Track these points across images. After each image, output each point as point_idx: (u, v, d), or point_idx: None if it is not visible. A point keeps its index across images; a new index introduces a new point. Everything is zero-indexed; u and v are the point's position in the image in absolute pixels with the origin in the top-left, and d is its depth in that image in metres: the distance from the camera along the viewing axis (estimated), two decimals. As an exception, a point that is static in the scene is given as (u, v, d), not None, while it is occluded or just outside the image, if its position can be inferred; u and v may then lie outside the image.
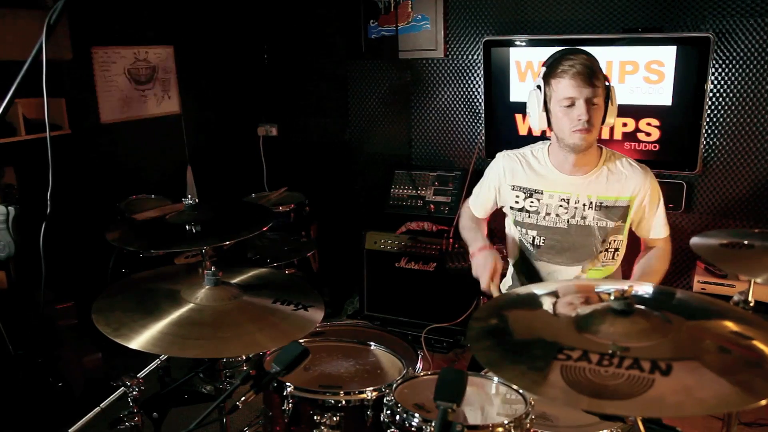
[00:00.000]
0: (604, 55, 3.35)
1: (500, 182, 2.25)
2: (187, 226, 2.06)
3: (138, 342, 1.54)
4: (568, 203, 2.11)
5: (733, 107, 3.29)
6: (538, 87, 2.04)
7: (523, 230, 2.21)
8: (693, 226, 3.47)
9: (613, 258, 2.17)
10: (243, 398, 1.42)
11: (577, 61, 1.94)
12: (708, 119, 3.31)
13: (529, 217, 2.18)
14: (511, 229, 2.32)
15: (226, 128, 4.53)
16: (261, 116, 4.57)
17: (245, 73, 4.53)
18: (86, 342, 3.14)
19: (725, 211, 3.42)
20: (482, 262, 2.08)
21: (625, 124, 3.39)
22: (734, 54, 3.23)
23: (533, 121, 2.09)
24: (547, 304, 1.37)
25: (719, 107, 3.32)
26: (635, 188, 2.08)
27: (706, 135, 3.32)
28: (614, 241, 2.14)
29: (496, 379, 1.55)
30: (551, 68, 1.99)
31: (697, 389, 0.96)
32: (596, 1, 3.48)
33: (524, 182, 2.18)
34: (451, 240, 3.57)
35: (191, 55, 4.26)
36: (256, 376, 1.44)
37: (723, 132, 3.34)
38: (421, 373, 1.61)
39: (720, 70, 3.26)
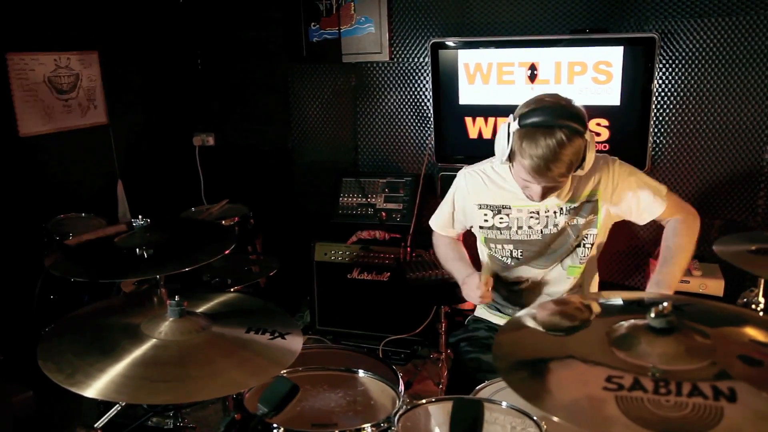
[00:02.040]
0: (552, 56, 3.33)
1: (465, 202, 2.16)
2: (137, 251, 1.84)
3: (97, 389, 1.33)
4: (538, 214, 2.04)
5: (677, 106, 3.35)
6: (506, 136, 1.84)
7: (498, 246, 2.13)
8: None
9: (590, 250, 2.09)
10: (228, 447, 1.25)
11: (541, 153, 1.73)
12: (654, 118, 3.35)
13: (501, 233, 2.10)
14: (482, 251, 2.23)
15: (158, 139, 4.25)
16: (196, 125, 4.32)
17: (178, 79, 4.27)
18: (14, 379, 2.83)
19: (673, 209, 3.48)
20: (470, 284, 2.01)
21: (575, 125, 3.38)
22: (677, 54, 3.28)
23: (497, 153, 1.92)
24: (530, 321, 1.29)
25: (665, 106, 3.37)
26: (598, 178, 2.00)
27: (653, 134, 3.36)
28: (588, 235, 2.07)
29: (504, 403, 1.44)
30: (519, 138, 1.78)
31: (770, 415, 0.88)
32: (542, 2, 3.47)
33: (490, 200, 2.09)
34: (408, 249, 3.47)
35: (118, 62, 3.97)
36: (242, 420, 1.27)
37: (669, 131, 3.39)
38: (423, 401, 1.48)
39: (664, 70, 3.32)
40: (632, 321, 1.11)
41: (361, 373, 1.67)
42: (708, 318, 1.23)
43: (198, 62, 4.23)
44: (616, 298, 1.39)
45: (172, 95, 4.27)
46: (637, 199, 2.02)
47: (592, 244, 2.08)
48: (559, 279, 2.11)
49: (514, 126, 1.81)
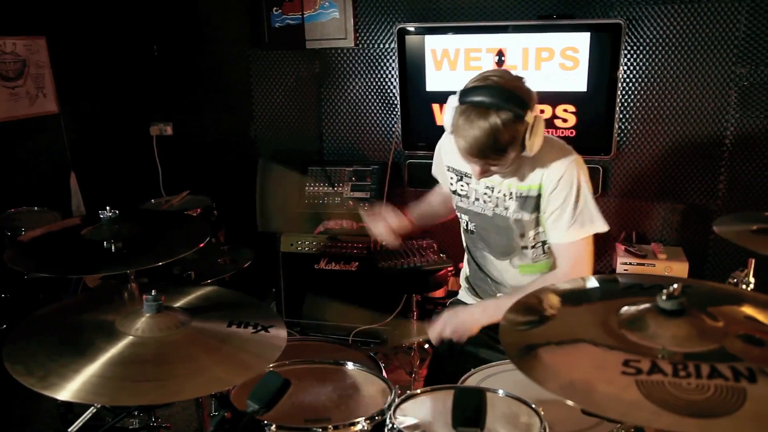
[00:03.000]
0: (520, 42, 3.32)
1: (440, 161, 2.15)
2: (105, 244, 1.74)
3: (72, 391, 1.24)
4: (492, 191, 1.97)
5: (642, 92, 3.39)
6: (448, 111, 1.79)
7: (460, 214, 2.13)
8: (609, 208, 3.56)
9: (544, 253, 2.00)
10: (219, 448, 1.18)
11: (471, 135, 1.67)
12: (620, 104, 3.38)
13: (461, 201, 2.07)
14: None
15: (113, 128, 4.07)
16: (154, 114, 4.16)
17: (133, 67, 4.09)
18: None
19: (637, 192, 3.53)
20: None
21: (542, 111, 3.38)
22: (642, 40, 3.32)
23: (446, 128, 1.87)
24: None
25: (630, 92, 3.40)
26: (543, 174, 1.86)
27: (619, 119, 3.39)
28: (537, 234, 1.97)
29: (501, 392, 1.41)
30: (458, 115, 1.72)
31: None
32: (510, -12, 3.46)
33: (456, 164, 2.04)
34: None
35: (68, 48, 3.78)
36: (232, 419, 1.20)
37: (634, 116, 3.43)
38: (418, 391, 1.44)
39: (630, 56, 3.35)
40: (642, 304, 1.09)
41: (349, 365, 1.61)
42: (708, 299, 1.23)
43: (154, 48, 4.06)
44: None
45: (128, 83, 4.09)
46: (559, 212, 1.86)
47: (544, 243, 1.97)
48: (515, 276, 2.07)
49: (455, 101, 1.75)
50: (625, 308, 1.10)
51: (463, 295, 2.29)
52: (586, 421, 1.49)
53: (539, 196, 1.89)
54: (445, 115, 1.80)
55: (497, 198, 1.96)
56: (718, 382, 0.90)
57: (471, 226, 2.09)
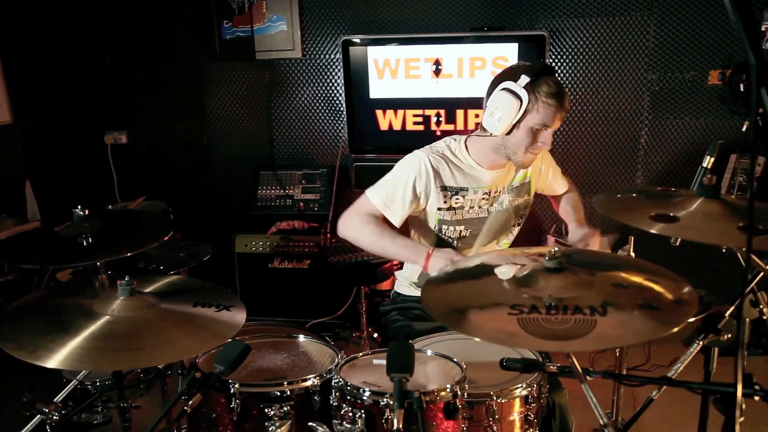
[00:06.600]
0: (455, 52, 3.61)
1: (429, 184, 2.15)
2: (78, 239, 1.92)
3: (59, 361, 1.43)
4: (489, 195, 2.23)
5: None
6: (517, 96, 2.00)
7: (450, 228, 2.24)
8: (541, 202, 3.86)
9: (518, 226, 2.40)
10: (190, 402, 1.39)
11: (557, 90, 2.01)
12: (547, 108, 3.71)
13: (455, 213, 2.21)
14: (429, 238, 2.34)
15: (68, 138, 4.19)
16: (108, 123, 4.29)
17: (86, 77, 4.21)
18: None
19: (566, 190, 3.86)
20: (441, 255, 2.02)
21: (477, 116, 3.68)
22: (564, 50, 3.66)
23: (497, 125, 2.04)
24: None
25: (555, 97, 3.73)
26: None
27: (546, 122, 3.71)
28: (523, 215, 2.38)
29: (429, 351, 1.66)
30: (539, 86, 1.99)
31: (630, 323, 1.18)
32: (445, 2, 3.75)
33: (452, 182, 2.18)
34: (328, 235, 3.64)
35: (20, 58, 3.89)
36: (201, 379, 1.42)
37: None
38: (360, 354, 1.68)
39: (554, 64, 3.68)
40: (532, 264, 1.38)
41: (301, 337, 1.85)
42: (592, 262, 1.52)
43: (107, 60, 4.20)
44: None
45: (81, 93, 4.22)
46: (554, 175, 2.48)
47: (521, 224, 2.40)
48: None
49: (524, 81, 1.99)
50: (520, 269, 1.38)
51: (405, 288, 2.50)
52: (506, 375, 1.75)
53: (530, 181, 2.36)
54: (504, 107, 2.01)
55: (494, 197, 2.27)
56: (578, 316, 1.20)
57: (465, 233, 2.25)
